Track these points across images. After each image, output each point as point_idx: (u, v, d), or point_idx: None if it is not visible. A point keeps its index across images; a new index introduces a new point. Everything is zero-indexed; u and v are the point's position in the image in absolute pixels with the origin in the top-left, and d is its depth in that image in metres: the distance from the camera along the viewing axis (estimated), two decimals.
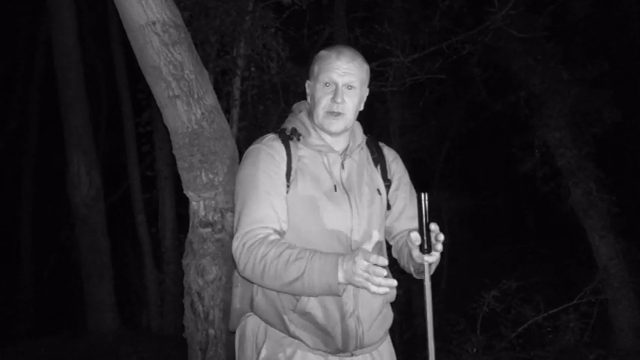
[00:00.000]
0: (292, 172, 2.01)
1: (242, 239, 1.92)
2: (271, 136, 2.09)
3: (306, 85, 2.16)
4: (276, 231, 1.95)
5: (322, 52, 2.11)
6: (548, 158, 7.55)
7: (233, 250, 1.95)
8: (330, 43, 6.16)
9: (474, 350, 5.90)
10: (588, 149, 7.35)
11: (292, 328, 2.01)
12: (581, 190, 7.24)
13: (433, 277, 2.15)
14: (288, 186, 2.00)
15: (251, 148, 2.08)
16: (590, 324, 6.15)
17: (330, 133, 2.09)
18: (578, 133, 7.31)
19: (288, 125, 2.14)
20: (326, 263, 1.79)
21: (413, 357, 6.44)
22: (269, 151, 2.02)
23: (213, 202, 3.05)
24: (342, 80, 2.03)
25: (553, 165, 7.53)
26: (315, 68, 2.09)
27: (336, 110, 2.03)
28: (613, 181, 7.45)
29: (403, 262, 2.19)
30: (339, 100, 2.02)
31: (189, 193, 3.07)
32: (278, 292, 1.97)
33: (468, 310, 5.96)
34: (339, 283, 1.78)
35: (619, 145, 10.07)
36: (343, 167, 2.09)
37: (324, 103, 2.04)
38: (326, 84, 2.04)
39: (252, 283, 2.03)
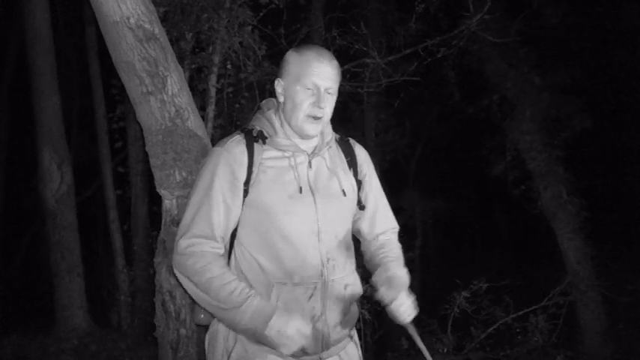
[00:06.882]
0: (253, 176, 1.99)
1: (190, 247, 1.96)
2: (236, 137, 2.06)
3: (278, 83, 2.09)
4: (222, 238, 2.00)
5: (301, 52, 2.05)
6: (519, 162, 7.67)
7: (178, 249, 1.97)
8: (306, 42, 6.15)
9: (445, 350, 5.95)
10: (558, 153, 7.48)
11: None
12: (551, 194, 7.38)
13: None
14: (246, 190, 1.99)
15: (213, 149, 2.08)
16: (558, 325, 6.25)
17: (307, 137, 2.07)
18: (549, 137, 7.44)
19: (256, 124, 2.11)
20: (263, 310, 1.91)
21: (384, 356, 6.48)
22: (228, 157, 2.00)
23: (186, 200, 3.02)
24: (325, 85, 2.01)
25: (524, 168, 7.65)
26: (295, 69, 2.03)
27: (317, 115, 2.02)
28: (582, 185, 7.60)
29: (375, 284, 2.19)
30: (322, 105, 2.01)
31: (162, 191, 3.04)
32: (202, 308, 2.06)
33: (440, 311, 6.01)
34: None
35: (589, 150, 10.26)
36: (310, 166, 2.06)
37: (305, 106, 2.01)
38: (308, 87, 2.00)
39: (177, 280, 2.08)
